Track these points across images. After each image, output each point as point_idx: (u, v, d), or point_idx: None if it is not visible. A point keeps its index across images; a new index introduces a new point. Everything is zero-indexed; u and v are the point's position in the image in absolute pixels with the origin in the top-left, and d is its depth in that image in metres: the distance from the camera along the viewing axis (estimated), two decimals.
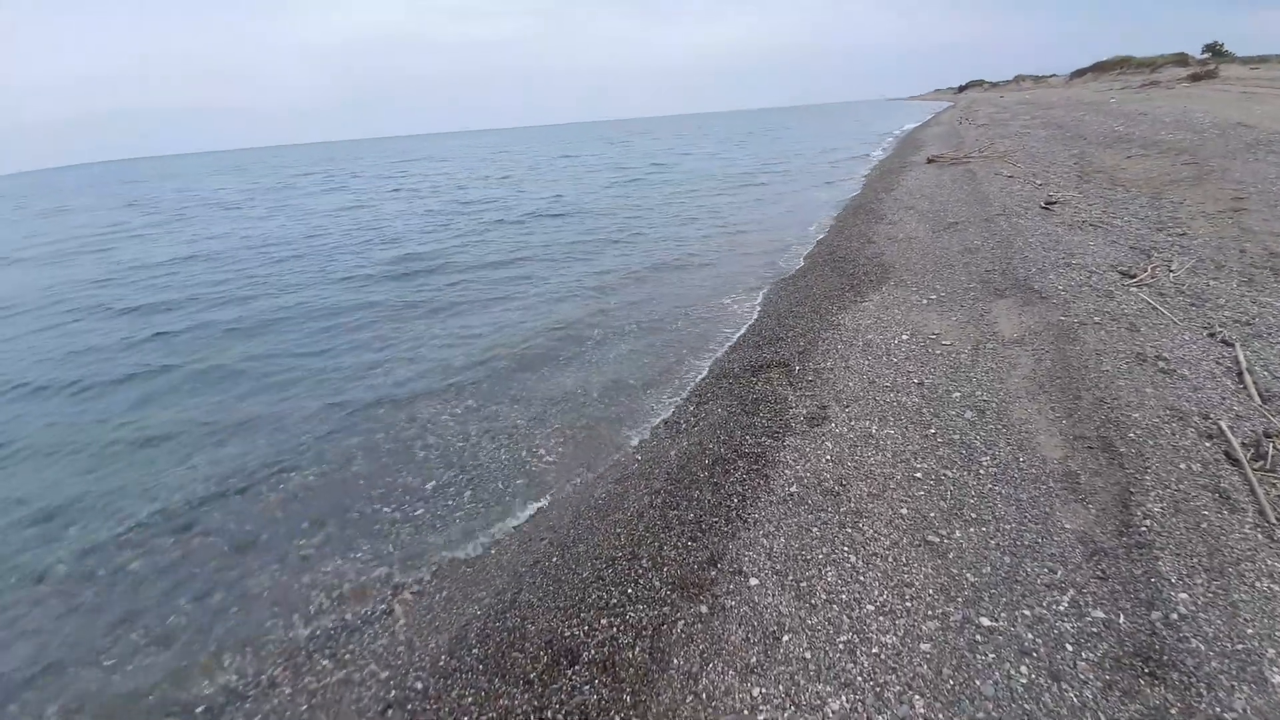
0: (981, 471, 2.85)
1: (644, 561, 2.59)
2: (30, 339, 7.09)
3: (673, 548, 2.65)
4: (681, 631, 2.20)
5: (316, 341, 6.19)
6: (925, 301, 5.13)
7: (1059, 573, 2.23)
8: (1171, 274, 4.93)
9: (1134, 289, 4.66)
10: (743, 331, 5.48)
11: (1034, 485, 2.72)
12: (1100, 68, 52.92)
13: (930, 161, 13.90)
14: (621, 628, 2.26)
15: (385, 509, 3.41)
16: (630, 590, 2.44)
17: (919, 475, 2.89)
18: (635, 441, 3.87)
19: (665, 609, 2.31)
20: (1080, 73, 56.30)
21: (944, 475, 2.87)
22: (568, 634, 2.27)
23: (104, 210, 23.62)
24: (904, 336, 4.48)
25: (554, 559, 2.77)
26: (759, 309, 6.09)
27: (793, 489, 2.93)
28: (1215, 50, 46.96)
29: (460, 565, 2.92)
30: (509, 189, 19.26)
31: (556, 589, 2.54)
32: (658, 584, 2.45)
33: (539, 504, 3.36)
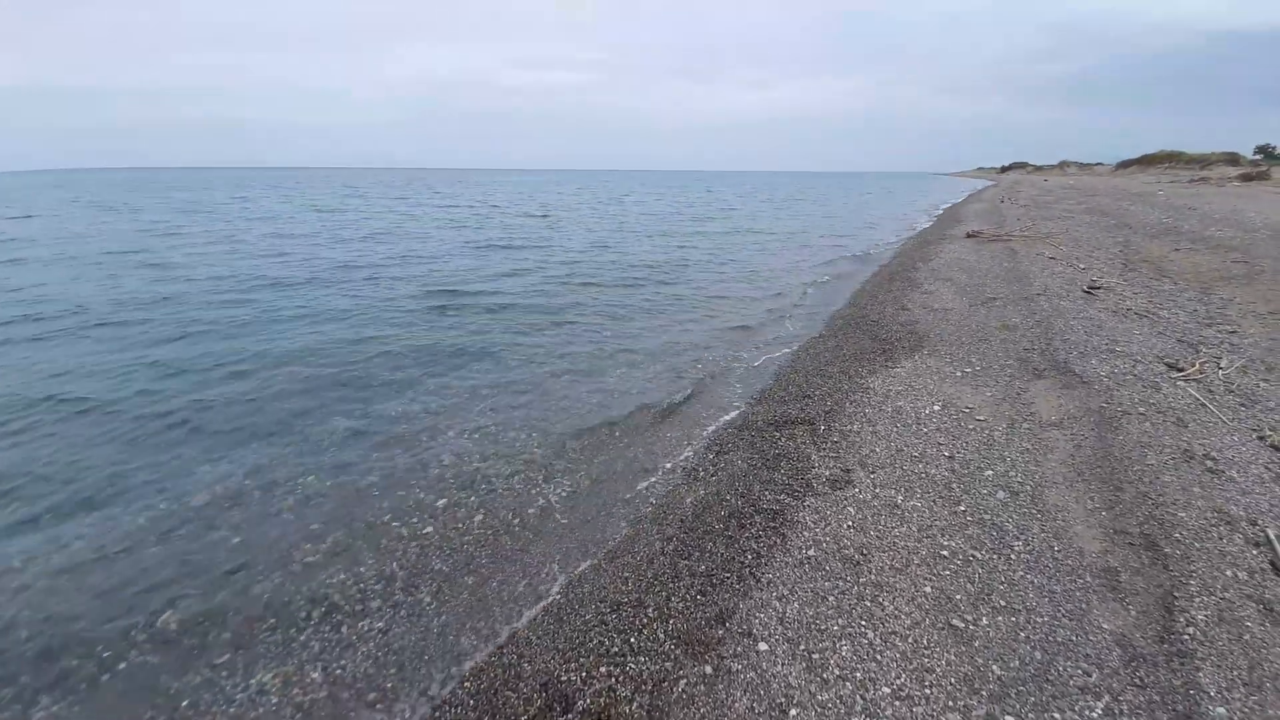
0: (1013, 557, 2.71)
1: (650, 610, 2.50)
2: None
3: (681, 599, 2.56)
4: (683, 691, 2.09)
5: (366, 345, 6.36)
6: (959, 374, 5.03)
7: (1094, 676, 2.07)
8: (1221, 371, 4.75)
9: (1181, 383, 4.49)
10: (769, 384, 5.44)
11: (1069, 578, 2.56)
12: (1148, 160, 53.05)
13: (970, 236, 13.90)
14: (621, 678, 2.16)
15: (395, 523, 3.39)
16: (633, 639, 2.35)
17: (945, 553, 2.76)
18: (651, 484, 3.80)
19: (668, 664, 2.21)
20: (1127, 163, 56.44)
21: (972, 556, 2.73)
22: (564, 678, 2.18)
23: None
24: (935, 407, 4.37)
25: (557, 595, 2.69)
26: (789, 364, 6.05)
27: (810, 552, 2.82)
28: (1268, 152, 46.78)
29: (461, 591, 2.86)
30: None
31: (557, 628, 2.46)
32: (662, 636, 2.35)
33: (547, 536, 3.30)
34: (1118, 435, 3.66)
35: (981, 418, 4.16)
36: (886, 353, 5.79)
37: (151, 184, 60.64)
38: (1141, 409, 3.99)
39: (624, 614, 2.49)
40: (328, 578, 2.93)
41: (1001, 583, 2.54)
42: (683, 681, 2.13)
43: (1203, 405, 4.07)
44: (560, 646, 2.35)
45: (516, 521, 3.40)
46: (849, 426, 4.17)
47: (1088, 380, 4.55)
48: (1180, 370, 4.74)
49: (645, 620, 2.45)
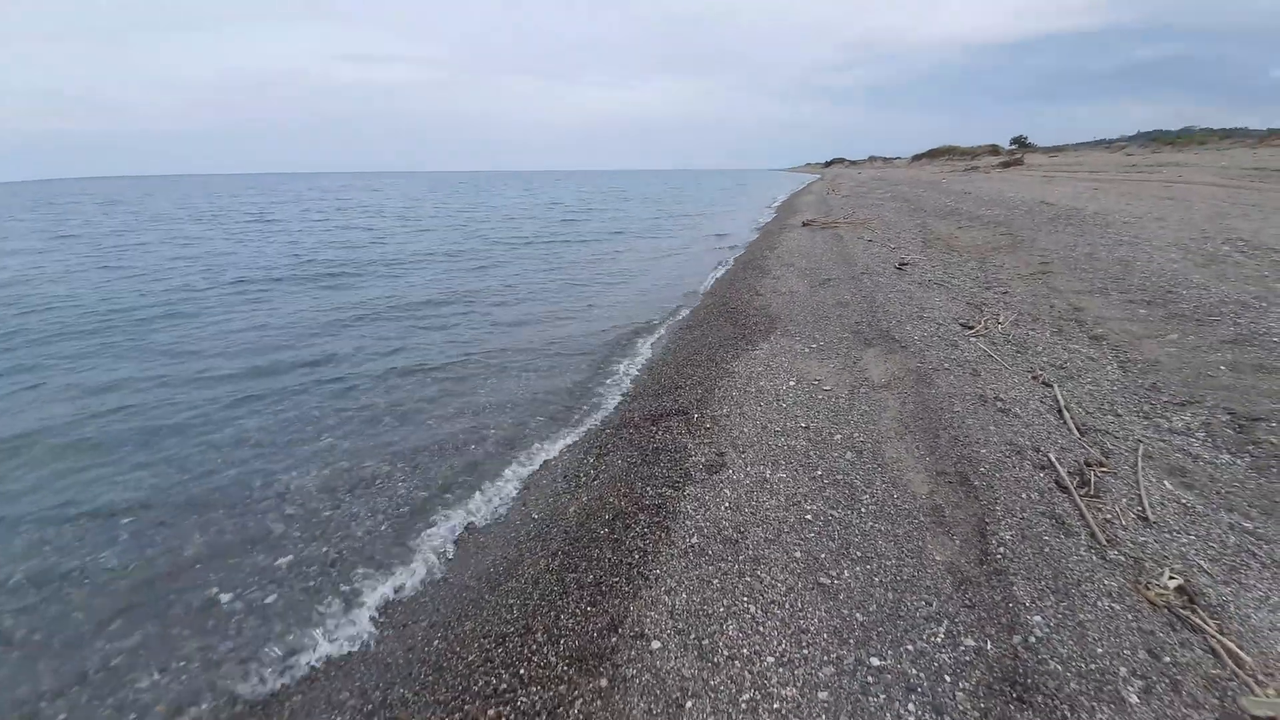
0: (863, 510, 3.02)
1: (539, 635, 2.38)
2: None
3: (571, 615, 2.47)
4: (579, 711, 2.02)
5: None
6: (807, 350, 5.53)
7: (934, 604, 2.37)
8: (999, 326, 5.77)
9: (972, 339, 5.37)
10: (642, 377, 5.53)
11: (907, 520, 2.91)
12: (933, 153, 63.30)
13: (805, 225, 15.45)
14: (513, 717, 2.02)
15: (226, 596, 2.87)
16: (523, 670, 2.22)
17: (809, 517, 2.99)
18: (529, 497, 3.66)
19: (562, 688, 2.12)
20: (919, 157, 66.85)
21: (831, 516, 2.99)
22: None
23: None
24: (791, 383, 4.76)
25: (435, 643, 2.46)
26: (660, 355, 6.21)
27: (694, 540, 2.89)
28: (1021, 142, 58.22)
29: (319, 667, 2.50)
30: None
31: (437, 679, 2.25)
32: (554, 659, 2.25)
33: (416, 578, 3.01)
34: (931, 390, 4.28)
35: (828, 388, 4.61)
36: (746, 337, 6.19)
37: None
38: (947, 365, 4.71)
39: (510, 645, 2.34)
40: (138, 678, 2.39)
41: (856, 535, 2.82)
42: (578, 702, 2.05)
43: (989, 356, 4.92)
44: (442, 698, 2.14)
45: (379, 566, 3.06)
46: (719, 411, 4.38)
47: (905, 345, 5.27)
48: (970, 328, 5.68)
49: (535, 646, 2.33)
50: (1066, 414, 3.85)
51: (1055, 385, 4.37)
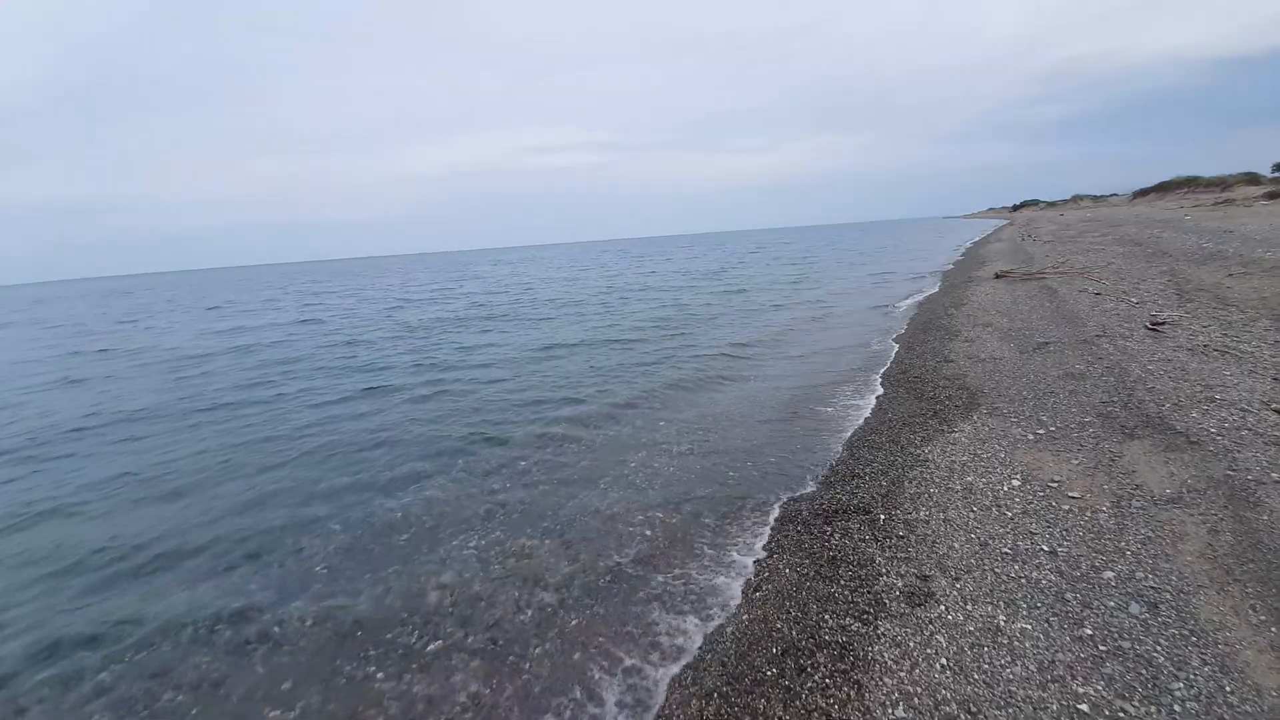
0: (1177, 709, 1.97)
1: None
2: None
3: None
4: None
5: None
6: (1032, 437, 4.33)
7: None
8: None
9: None
10: (809, 460, 4.78)
11: None
12: (1164, 187, 52.38)
13: (999, 276, 13.32)
14: None
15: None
16: None
17: (1085, 708, 2.03)
18: (686, 618, 3.09)
19: None
20: (1144, 192, 55.85)
21: (1122, 713, 2.00)
22: None
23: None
24: (1015, 482, 3.68)
25: None
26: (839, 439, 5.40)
27: (899, 712, 2.12)
28: None
29: None
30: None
31: None
32: None
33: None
34: (1260, 514, 2.92)
35: (1075, 494, 3.45)
36: (938, 414, 5.13)
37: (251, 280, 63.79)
38: (1276, 476, 3.24)
39: None
40: None
41: None
42: None
43: None
44: None
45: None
46: (914, 513, 3.50)
47: (1195, 439, 3.81)
48: None
49: None
50: None
51: None
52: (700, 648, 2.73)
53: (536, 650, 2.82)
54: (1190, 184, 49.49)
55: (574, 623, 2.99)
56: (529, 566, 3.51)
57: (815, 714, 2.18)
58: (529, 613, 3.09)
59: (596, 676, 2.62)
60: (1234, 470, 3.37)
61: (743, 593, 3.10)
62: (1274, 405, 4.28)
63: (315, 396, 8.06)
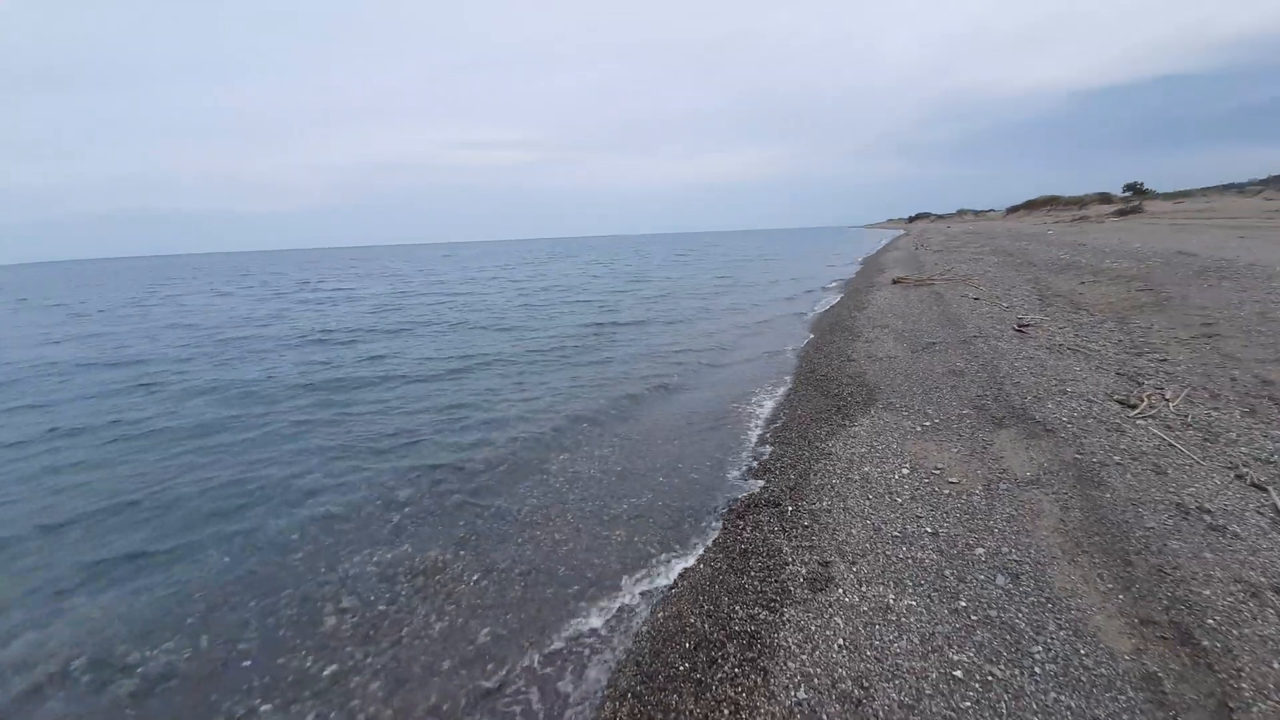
0: (1038, 671, 2.22)
1: None
2: None
3: None
4: None
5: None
6: (919, 428, 4.73)
7: None
8: (1170, 404, 4.68)
9: (1139, 421, 4.35)
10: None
11: (1110, 696, 2.09)
12: (1032, 204, 59.43)
13: (896, 282, 14.46)
14: None
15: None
16: None
17: (959, 674, 2.24)
18: (595, 618, 3.08)
19: None
20: (1015, 208, 63.02)
21: (991, 675, 2.22)
22: None
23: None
24: (904, 470, 4.00)
25: None
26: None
27: (800, 694, 2.23)
28: (1136, 189, 53.10)
29: None
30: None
31: None
32: None
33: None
34: (1104, 492, 3.37)
35: (954, 479, 3.80)
36: (841, 409, 5.48)
37: (127, 273, 55.82)
38: (1116, 458, 3.76)
39: None
40: None
41: (1035, 714, 2.04)
42: None
43: (1170, 446, 3.90)
44: None
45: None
46: (817, 504, 3.71)
47: (1051, 427, 4.34)
48: (1133, 407, 4.63)
49: None
50: None
51: (1272, 489, 3.32)
52: (616, 648, 2.74)
53: (445, 664, 2.70)
54: (1053, 202, 56.50)
55: (484, 632, 2.89)
56: (439, 582, 3.35)
57: (724, 704, 2.25)
58: (437, 627, 2.95)
59: (511, 685, 2.55)
60: (1081, 454, 3.86)
61: (660, 590, 3.14)
62: (1116, 397, 4.95)
63: (179, 419, 7.25)
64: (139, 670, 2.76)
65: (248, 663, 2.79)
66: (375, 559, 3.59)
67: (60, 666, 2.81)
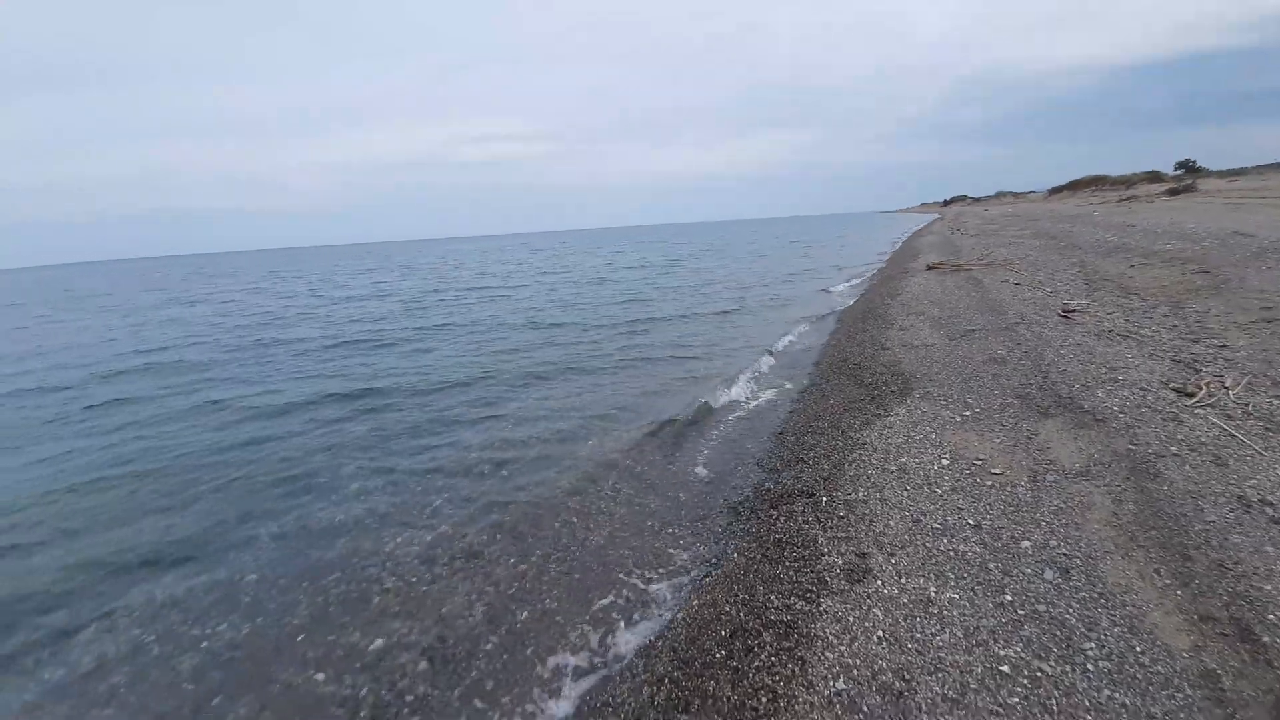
0: (1090, 669, 2.16)
1: None
2: None
3: None
4: None
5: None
6: (959, 418, 4.60)
7: None
8: (1230, 392, 4.44)
9: (1198, 410, 4.14)
10: (755, 447, 4.91)
11: (1166, 693, 2.01)
12: (1075, 185, 56.68)
13: (931, 268, 14.04)
14: None
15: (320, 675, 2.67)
16: None
17: (1006, 669, 2.19)
18: (629, 605, 3.12)
19: None
20: (1057, 189, 60.20)
21: (1040, 672, 2.17)
22: None
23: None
24: (944, 461, 3.90)
25: None
26: (776, 421, 5.56)
27: (839, 684, 2.21)
28: (1189, 166, 50.05)
29: None
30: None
31: None
32: None
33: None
34: (1160, 485, 3.22)
35: (997, 470, 3.69)
36: (876, 399, 5.37)
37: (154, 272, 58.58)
38: (1174, 449, 3.58)
39: None
40: None
41: (1088, 712, 1.98)
42: None
43: (1231, 436, 3.70)
44: None
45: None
46: (853, 494, 3.65)
47: (1101, 417, 4.16)
48: (1191, 395, 4.41)
49: None
50: None
51: None
52: (651, 634, 2.77)
53: (487, 645, 2.77)
54: (1098, 182, 53.79)
55: (523, 614, 2.96)
56: (478, 564, 3.44)
57: (761, 692, 2.25)
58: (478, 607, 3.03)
59: (549, 664, 2.61)
60: (1135, 444, 3.70)
61: (694, 580, 3.16)
62: (1171, 384, 4.72)
63: (178, 428, 7.55)
64: (202, 645, 2.92)
65: (301, 636, 2.93)
66: (416, 542, 3.70)
67: (130, 644, 2.99)
